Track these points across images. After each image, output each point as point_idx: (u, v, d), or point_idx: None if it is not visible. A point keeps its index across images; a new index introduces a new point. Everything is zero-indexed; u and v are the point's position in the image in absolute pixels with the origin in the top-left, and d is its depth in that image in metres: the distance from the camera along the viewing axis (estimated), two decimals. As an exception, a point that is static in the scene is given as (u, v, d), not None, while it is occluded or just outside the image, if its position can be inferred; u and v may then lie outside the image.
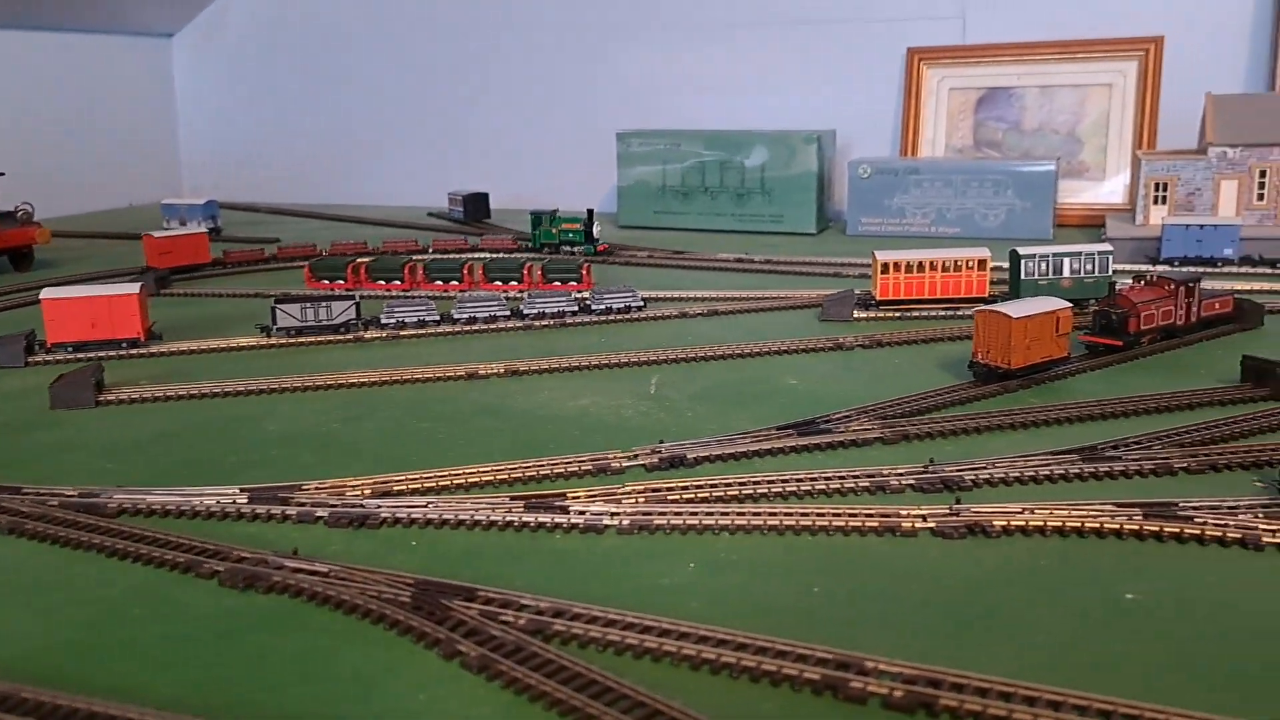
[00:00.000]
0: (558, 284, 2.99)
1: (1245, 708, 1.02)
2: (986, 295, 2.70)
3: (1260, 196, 3.47)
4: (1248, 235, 3.30)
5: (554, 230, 3.80)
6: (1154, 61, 4.13)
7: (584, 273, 2.97)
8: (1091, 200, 4.21)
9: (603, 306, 2.72)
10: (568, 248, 3.77)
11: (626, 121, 4.70)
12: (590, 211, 3.81)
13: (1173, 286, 2.33)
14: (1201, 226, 3.17)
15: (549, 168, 5.09)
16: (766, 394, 2.10)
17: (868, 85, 4.56)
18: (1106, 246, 2.69)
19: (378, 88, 5.48)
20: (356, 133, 5.55)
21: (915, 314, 2.71)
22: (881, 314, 2.72)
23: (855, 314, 2.72)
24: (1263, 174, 3.46)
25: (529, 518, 1.48)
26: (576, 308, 2.71)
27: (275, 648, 1.18)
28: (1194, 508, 1.46)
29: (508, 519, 1.48)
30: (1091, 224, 4.06)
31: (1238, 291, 2.69)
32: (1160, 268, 3.15)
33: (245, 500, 1.57)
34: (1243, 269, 3.16)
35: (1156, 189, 3.57)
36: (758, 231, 4.26)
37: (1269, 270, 3.12)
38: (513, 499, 1.54)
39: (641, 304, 2.76)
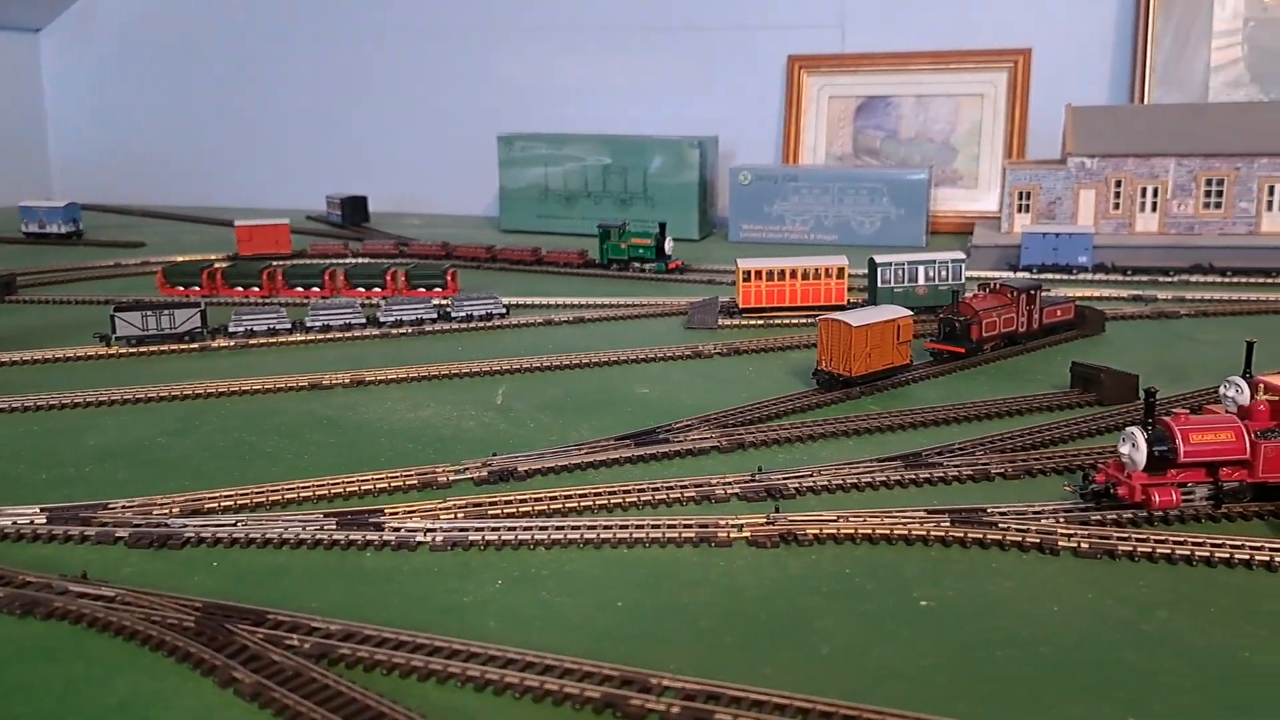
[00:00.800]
0: (422, 290, 2.94)
1: (1009, 712, 1.04)
2: (845, 303, 2.74)
3: (1116, 206, 3.60)
4: (1104, 244, 3.42)
5: (623, 245, 3.47)
6: (1022, 73, 4.25)
7: (449, 279, 2.93)
8: (965, 208, 4.31)
9: (463, 314, 2.68)
10: (638, 264, 3.46)
11: (510, 124, 4.67)
12: (662, 226, 3.51)
13: (1014, 294, 2.39)
14: (1057, 235, 3.27)
15: (431, 170, 5.03)
16: (616, 403, 2.09)
17: (750, 92, 4.60)
18: (959, 254, 2.75)
19: (256, 88, 5.35)
20: (235, 134, 5.41)
21: (777, 321, 2.74)
22: (745, 322, 2.74)
23: (721, 321, 2.74)
24: (1118, 184, 3.59)
25: (339, 536, 1.44)
26: (436, 315, 2.67)
27: (43, 678, 1.13)
28: (1001, 513, 1.50)
29: (317, 537, 1.44)
30: (966, 231, 4.16)
31: (1089, 299, 2.78)
32: (1021, 275, 3.24)
33: (44, 520, 1.50)
34: (1096, 276, 3.27)
35: (1020, 198, 3.68)
36: (641, 235, 4.26)
37: (1120, 277, 3.24)
38: (325, 516, 1.50)
39: (504, 311, 2.74)
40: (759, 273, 2.73)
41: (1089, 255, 3.26)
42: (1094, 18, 4.21)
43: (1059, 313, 2.50)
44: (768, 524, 1.47)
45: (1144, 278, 3.22)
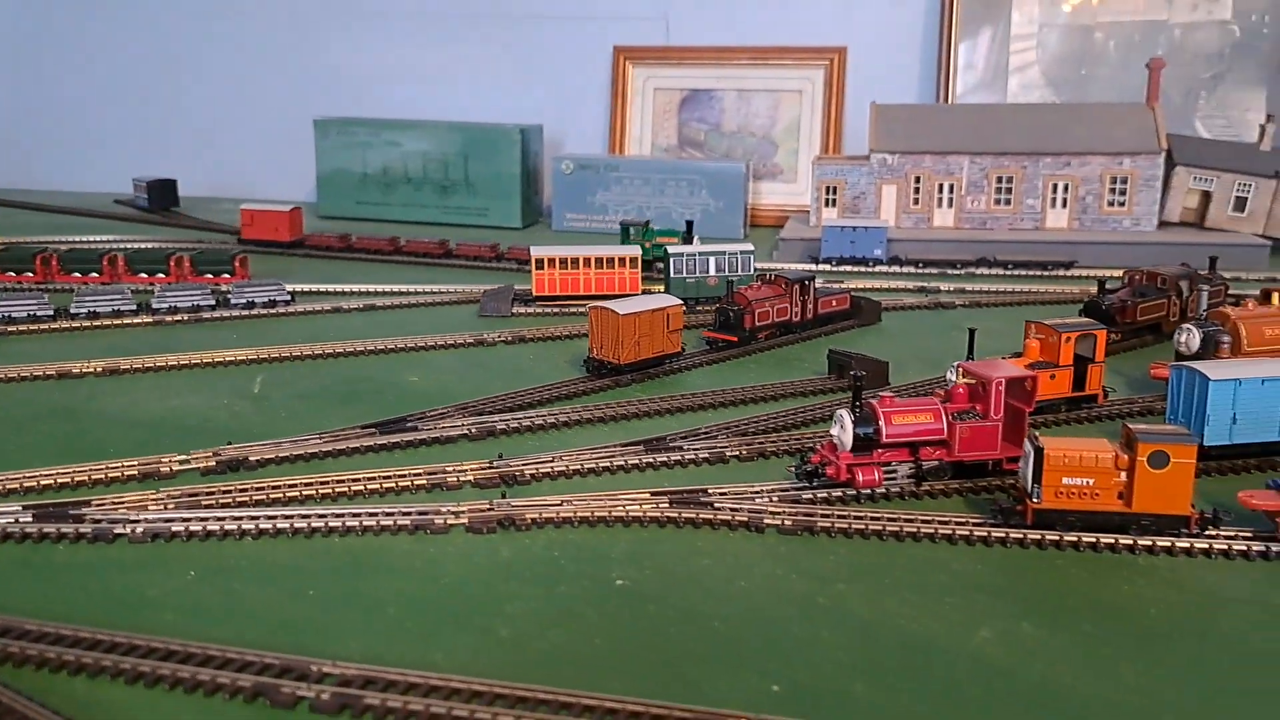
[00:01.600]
0: (209, 276, 2.84)
1: (666, 687, 1.06)
2: (640, 292, 2.77)
3: (916, 201, 3.75)
4: (903, 237, 3.55)
5: (647, 245, 3.19)
6: (838, 71, 4.38)
7: (236, 265, 2.84)
8: (784, 201, 4.41)
9: (244, 300, 2.60)
10: (659, 264, 3.10)
11: (330, 108, 4.56)
12: (690, 224, 3.24)
13: (788, 285, 2.46)
14: (854, 229, 3.38)
15: (245, 154, 4.86)
16: (381, 392, 2.06)
17: (577, 82, 4.60)
18: (749, 246, 2.82)
19: (59, 64, 5.06)
20: (37, 112, 5.11)
21: (571, 310, 2.75)
22: (539, 309, 2.74)
23: (515, 309, 2.73)
24: (918, 180, 3.73)
25: (32, 529, 1.38)
26: (214, 302, 2.59)
27: None
28: (721, 494, 1.54)
29: (8, 530, 1.38)
30: (784, 224, 4.26)
31: (879, 290, 2.89)
32: (823, 266, 3.34)
33: None
34: (891, 268, 3.39)
35: (827, 192, 3.79)
36: (462, 224, 4.22)
37: (913, 270, 3.37)
38: (24, 508, 1.43)
39: (288, 298, 2.67)
40: (551, 261, 2.74)
41: (884, 248, 3.38)
42: (904, 19, 4.36)
43: (834, 303, 2.59)
44: (488, 510, 1.47)
45: (934, 270, 3.36)
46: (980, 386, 1.57)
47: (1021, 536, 1.40)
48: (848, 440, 1.53)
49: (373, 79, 4.74)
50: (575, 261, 2.75)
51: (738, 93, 4.48)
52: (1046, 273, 3.28)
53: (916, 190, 3.75)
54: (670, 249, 2.77)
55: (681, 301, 2.23)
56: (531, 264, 2.74)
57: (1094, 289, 2.48)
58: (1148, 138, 3.59)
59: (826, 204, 3.80)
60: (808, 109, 4.43)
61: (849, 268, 3.36)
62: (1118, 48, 4.14)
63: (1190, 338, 1.99)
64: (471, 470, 1.62)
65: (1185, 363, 1.67)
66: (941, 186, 3.73)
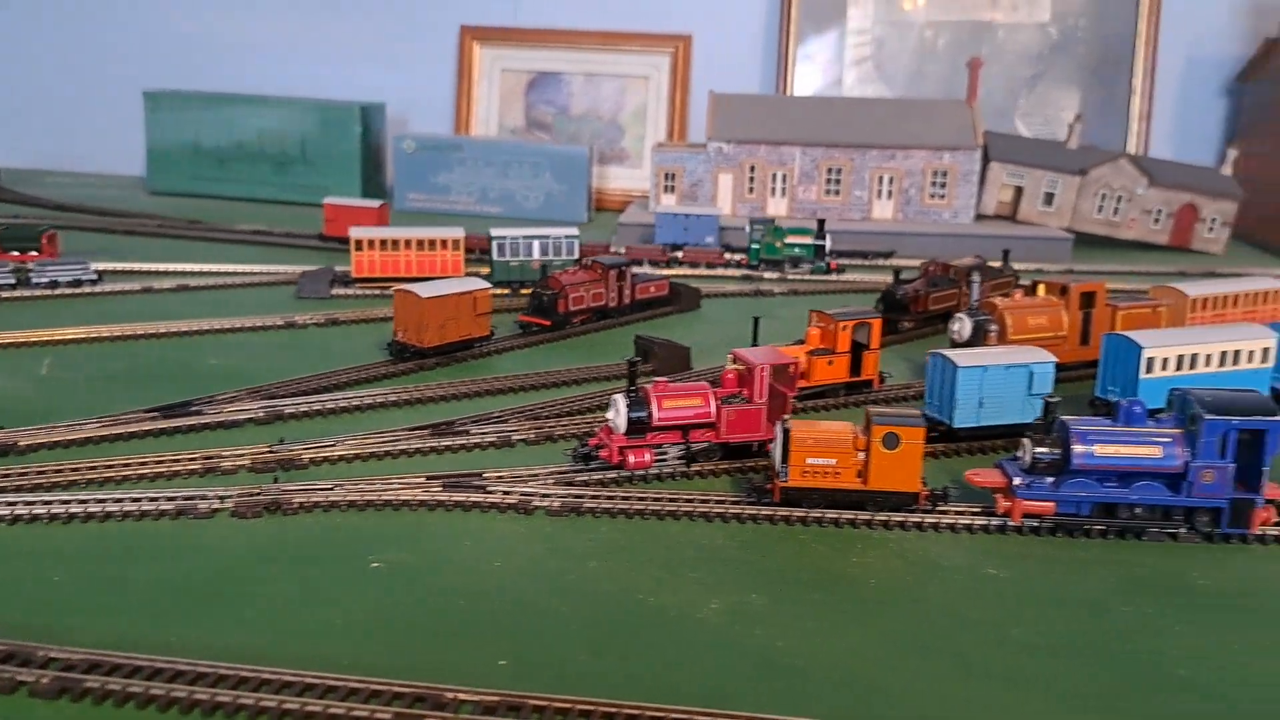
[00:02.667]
0: (16, 254, 2.73)
1: (399, 665, 1.10)
2: (463, 274, 2.78)
3: (751, 190, 3.86)
4: (742, 225, 3.65)
5: (777, 244, 3.15)
6: (683, 58, 4.45)
7: (45, 241, 2.74)
8: (631, 185, 4.47)
9: (46, 279, 2.51)
10: (792, 264, 3.16)
11: (163, 80, 4.40)
12: (821, 223, 3.20)
13: (604, 270, 2.51)
14: (687, 215, 3.46)
15: (74, 126, 4.65)
16: (176, 376, 2.03)
17: (423, 60, 4.56)
18: (573, 230, 2.87)
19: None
20: None
21: (390, 292, 2.74)
22: (360, 291, 2.73)
23: (334, 291, 2.71)
24: (753, 169, 3.84)
25: None
26: (14, 280, 2.49)
27: None
28: (498, 477, 1.59)
29: None
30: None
31: (704, 277, 2.98)
32: (679, 252, 3.39)
33: None
34: (725, 255, 3.48)
35: (666, 178, 3.86)
36: (300, 202, 4.13)
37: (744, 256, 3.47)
38: None
39: (95, 277, 2.59)
40: (371, 242, 2.73)
41: (716, 235, 3.47)
42: (748, 11, 4.46)
43: (652, 289, 2.66)
44: (256, 495, 1.48)
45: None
46: (747, 372, 1.65)
47: (771, 514, 1.49)
48: (622, 424, 1.59)
49: (210, 51, 4.59)
50: (396, 243, 2.74)
51: (585, 76, 4.51)
52: (866, 261, 3.42)
53: (752, 179, 3.85)
54: (494, 231, 2.79)
55: (489, 284, 2.26)
56: (351, 245, 2.72)
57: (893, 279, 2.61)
58: (965, 134, 3.77)
59: (665, 190, 3.87)
60: (654, 95, 4.49)
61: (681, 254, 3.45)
62: (946, 46, 4.33)
63: (962, 326, 2.12)
64: (249, 455, 1.62)
65: (939, 350, 1.79)
66: (775, 176, 3.84)
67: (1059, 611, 1.26)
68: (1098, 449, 1.44)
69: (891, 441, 1.46)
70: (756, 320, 1.93)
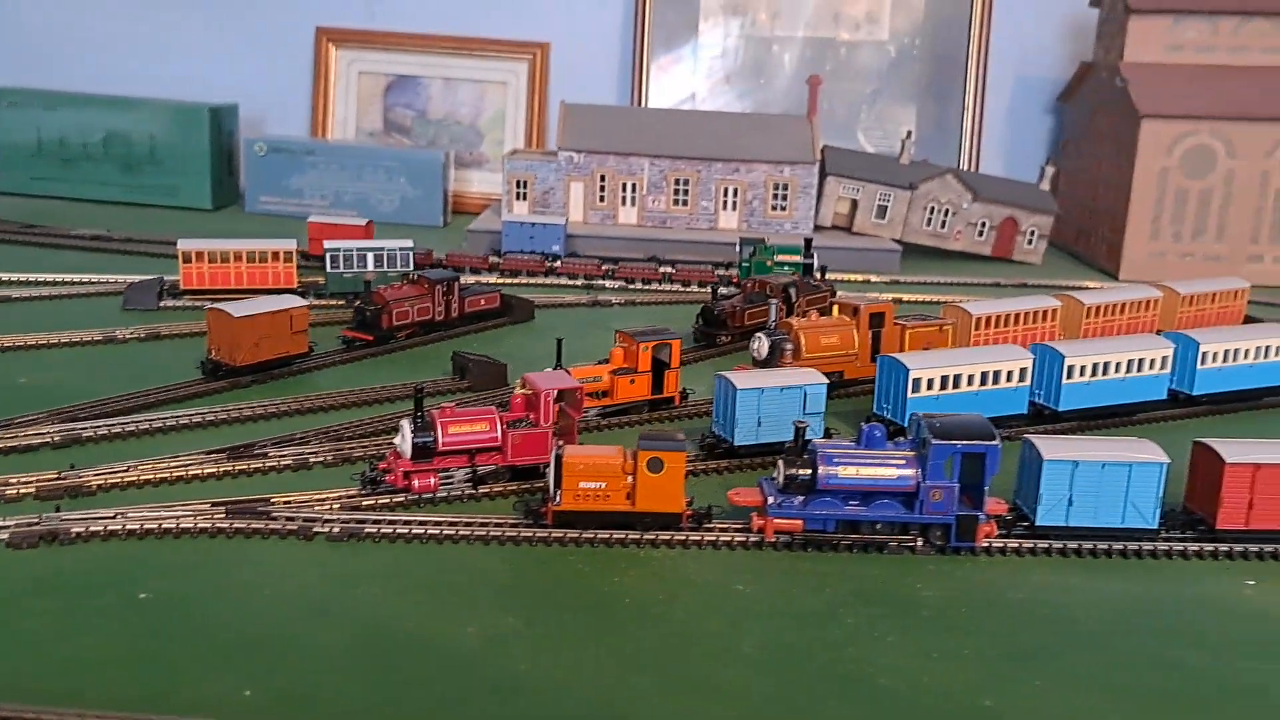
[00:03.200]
0: None
1: (148, 694, 1.15)
2: (295, 286, 2.80)
3: (602, 198, 3.94)
4: (588, 234, 3.74)
5: (769, 263, 3.15)
6: (541, 65, 4.51)
7: None
8: (490, 190, 4.51)
9: None
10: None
11: (3, 76, 4.25)
12: (808, 241, 3.27)
13: (430, 284, 2.57)
14: (533, 224, 3.53)
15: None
16: (-22, 395, 2.01)
17: (278, 62, 4.51)
18: (407, 242, 2.91)
19: None
20: None
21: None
22: (189, 303, 2.72)
23: (162, 303, 2.70)
24: (603, 178, 3.93)
25: None
26: None
27: None
28: (286, 502, 1.63)
29: None
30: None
31: (549, 287, 3.05)
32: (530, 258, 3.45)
33: None
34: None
35: (518, 186, 3.92)
36: (149, 204, 4.07)
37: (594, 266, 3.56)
38: None
39: (-98, 290, 2.52)
40: (200, 254, 2.72)
41: (561, 244, 3.55)
42: (605, 22, 4.55)
43: (482, 302, 2.72)
44: (34, 524, 1.50)
45: (611, 266, 3.56)
46: (534, 396, 1.74)
47: (546, 536, 1.58)
48: (406, 448, 1.66)
49: (56, 46, 4.45)
50: (226, 255, 2.74)
51: (444, 81, 4.54)
52: (711, 271, 3.55)
53: (602, 188, 3.94)
54: (328, 243, 2.81)
55: (306, 301, 2.29)
56: (179, 256, 2.71)
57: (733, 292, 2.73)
58: (805, 149, 3.93)
59: (518, 197, 3.93)
60: (513, 101, 4.54)
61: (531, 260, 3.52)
62: (792, 61, 4.49)
63: (760, 345, 2.25)
64: (35, 482, 1.63)
65: (723, 373, 1.90)
66: (625, 185, 3.94)
67: (788, 624, 1.38)
68: (841, 470, 1.56)
69: (655, 465, 1.56)
70: (560, 341, 2.02)
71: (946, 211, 3.94)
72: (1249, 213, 3.66)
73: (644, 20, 4.44)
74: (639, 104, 4.46)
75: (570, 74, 4.52)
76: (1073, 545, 1.61)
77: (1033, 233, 3.97)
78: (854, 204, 3.97)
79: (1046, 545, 1.61)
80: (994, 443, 1.55)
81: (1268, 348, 2.30)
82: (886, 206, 3.94)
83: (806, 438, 1.60)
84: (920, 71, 4.46)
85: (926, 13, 4.44)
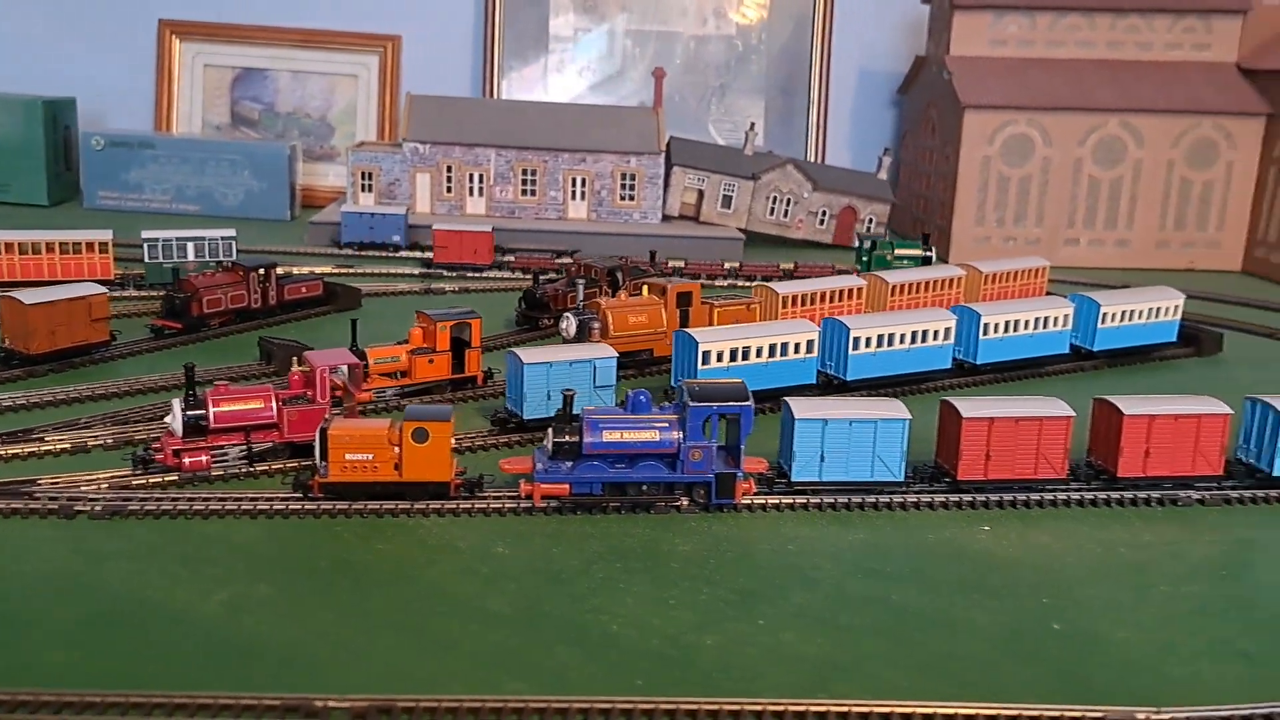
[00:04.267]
0: None
1: None
2: (111, 277, 2.75)
3: (449, 190, 3.96)
4: (437, 225, 3.75)
5: (887, 256, 3.20)
6: (393, 58, 4.50)
7: None
8: (342, 185, 4.48)
9: None
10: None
11: None
12: (925, 236, 3.29)
13: (245, 272, 2.55)
14: (373, 214, 3.53)
15: None
16: None
17: (120, 55, 4.41)
18: (230, 231, 2.88)
19: None
20: None
21: (36, 296, 2.68)
22: (-2, 296, 2.65)
23: (-32, 296, 2.62)
24: (450, 169, 3.94)
25: None
26: None
27: None
28: (54, 483, 1.62)
29: None
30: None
31: (385, 275, 3.05)
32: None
33: None
34: (415, 254, 3.57)
35: (363, 178, 3.90)
36: (-23, 201, 3.94)
37: (420, 254, 3.57)
38: None
39: None
40: (9, 245, 2.65)
41: (403, 234, 3.56)
42: (454, 13, 4.55)
43: (303, 290, 2.71)
44: None
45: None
46: (311, 373, 1.75)
47: (315, 508, 1.60)
48: (178, 427, 1.66)
49: None
50: (38, 246, 2.68)
51: (292, 74, 4.49)
52: (554, 259, 3.59)
53: (449, 179, 3.95)
54: (146, 233, 2.77)
55: (106, 289, 2.26)
56: (-11, 249, 2.64)
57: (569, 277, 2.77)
58: (650, 140, 4.01)
59: (363, 189, 3.92)
60: (364, 94, 4.52)
61: (370, 253, 3.52)
62: (643, 55, 4.56)
63: (569, 325, 2.30)
64: None
65: (511, 349, 1.95)
66: (472, 176, 3.96)
67: (539, 581, 1.43)
68: (606, 435, 1.62)
69: (420, 435, 1.59)
70: (354, 322, 2.04)
71: (788, 201, 4.06)
72: (1064, 198, 3.87)
73: (495, 14, 4.46)
74: (493, 97, 4.48)
75: (424, 68, 4.52)
76: (829, 500, 1.70)
77: (870, 220, 4.12)
78: (700, 194, 4.06)
79: (804, 500, 1.69)
80: (747, 404, 1.62)
81: (1046, 319, 2.44)
82: (731, 196, 4.04)
83: (575, 408, 1.65)
84: (766, 65, 4.58)
85: (772, 8, 4.56)
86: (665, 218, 4.04)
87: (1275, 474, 1.76)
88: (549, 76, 4.54)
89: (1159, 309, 2.59)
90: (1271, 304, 3.33)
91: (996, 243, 3.89)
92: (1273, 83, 3.77)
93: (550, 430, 1.64)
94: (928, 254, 3.24)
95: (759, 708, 1.14)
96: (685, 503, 1.66)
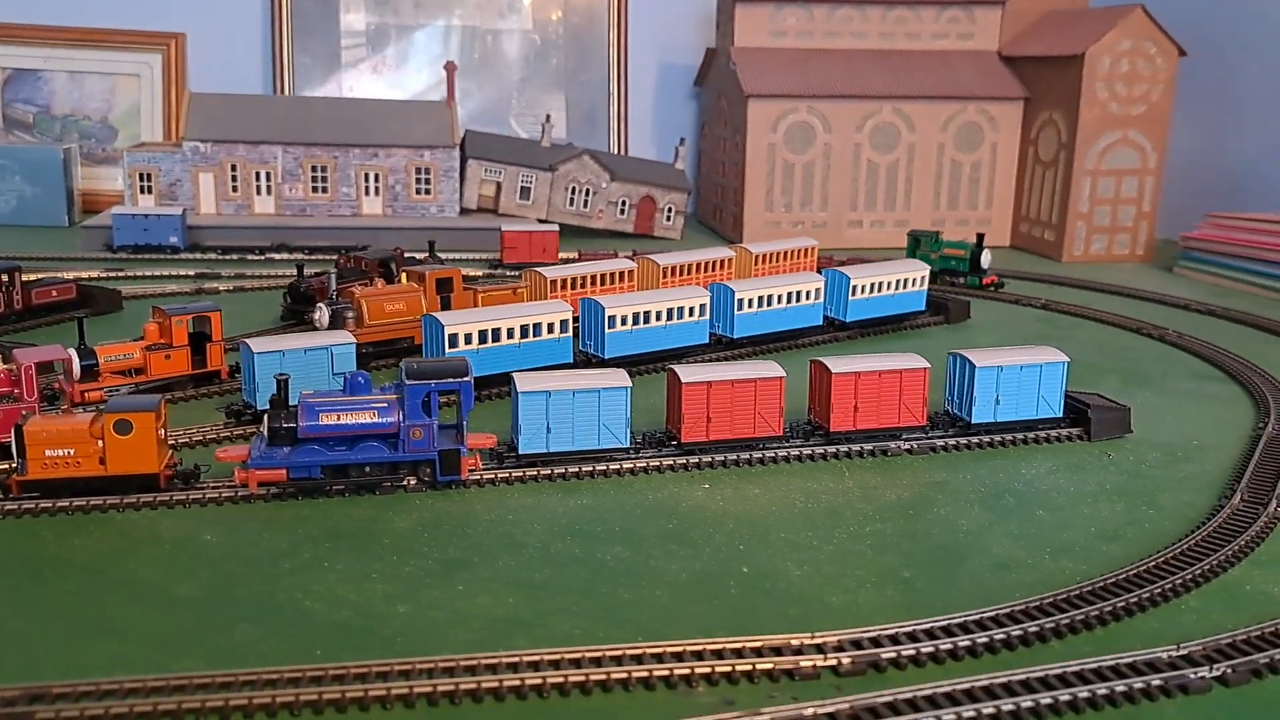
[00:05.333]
0: None
1: None
2: None
3: (235, 188, 3.85)
4: (221, 224, 3.64)
5: (933, 255, 3.24)
6: (178, 56, 4.34)
7: None
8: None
9: None
10: (949, 277, 3.25)
11: None
12: (980, 236, 3.27)
13: (-15, 276, 2.43)
14: (146, 216, 3.40)
15: None
16: None
17: None
18: (-26, 237, 2.73)
19: None
20: None
21: None
22: None
23: None
24: (234, 167, 3.84)
25: None
26: None
27: None
28: None
29: None
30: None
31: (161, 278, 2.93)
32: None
33: None
34: (195, 255, 3.47)
35: (142, 179, 3.76)
36: None
37: (215, 256, 3.47)
38: None
39: None
40: None
41: (180, 235, 3.45)
42: (240, 10, 4.43)
43: (54, 293, 2.60)
44: None
45: (234, 256, 3.48)
46: (18, 370, 1.68)
47: (17, 508, 1.54)
48: None
49: None
50: None
51: (69, 75, 4.28)
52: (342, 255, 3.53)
53: (234, 178, 3.84)
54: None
55: None
56: None
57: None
58: (443, 133, 3.99)
59: (143, 191, 3.77)
60: (147, 94, 4.35)
61: (146, 255, 3.40)
62: (439, 49, 4.54)
63: (322, 315, 2.28)
64: None
65: (244, 339, 1.91)
66: (259, 174, 3.86)
67: (238, 565, 1.41)
68: (323, 418, 1.61)
69: (124, 427, 1.55)
70: (81, 320, 1.96)
71: (587, 191, 4.12)
72: (846, 182, 4.04)
73: (282, 10, 4.36)
74: (285, 94, 4.37)
75: (211, 66, 4.39)
76: (559, 471, 1.73)
77: (670, 209, 4.21)
78: (499, 186, 4.07)
79: (534, 473, 1.72)
80: (466, 380, 1.65)
81: (798, 293, 2.56)
82: (529, 188, 4.07)
83: (288, 391, 1.64)
84: (565, 59, 4.63)
85: (566, 4, 4.61)
86: (464, 211, 4.03)
87: (974, 421, 1.90)
88: (343, 73, 4.46)
89: (906, 280, 2.74)
90: (1030, 275, 3.56)
91: (786, 227, 4.03)
92: (1030, 69, 4.04)
93: (267, 416, 1.62)
94: (979, 250, 3.21)
95: (407, 667, 1.15)
96: (412, 482, 1.67)
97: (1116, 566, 1.44)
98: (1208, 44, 4.07)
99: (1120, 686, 1.15)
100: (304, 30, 4.40)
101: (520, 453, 1.73)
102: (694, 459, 1.78)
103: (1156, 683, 1.16)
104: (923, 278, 2.77)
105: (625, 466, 1.76)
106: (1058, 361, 1.93)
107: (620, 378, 1.76)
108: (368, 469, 1.65)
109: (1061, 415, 1.95)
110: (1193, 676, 1.17)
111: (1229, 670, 1.19)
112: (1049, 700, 1.13)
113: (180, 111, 4.34)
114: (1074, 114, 3.77)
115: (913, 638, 1.24)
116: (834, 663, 1.20)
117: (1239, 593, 1.40)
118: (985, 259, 3.23)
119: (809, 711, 1.10)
